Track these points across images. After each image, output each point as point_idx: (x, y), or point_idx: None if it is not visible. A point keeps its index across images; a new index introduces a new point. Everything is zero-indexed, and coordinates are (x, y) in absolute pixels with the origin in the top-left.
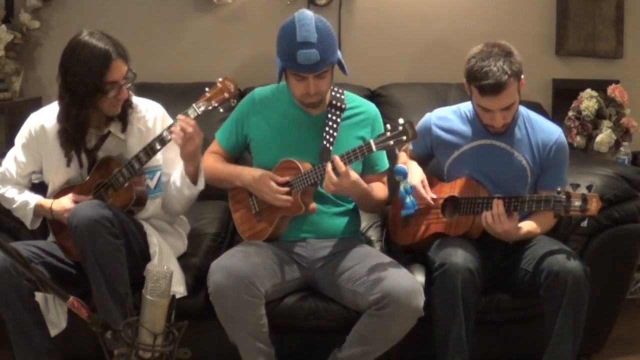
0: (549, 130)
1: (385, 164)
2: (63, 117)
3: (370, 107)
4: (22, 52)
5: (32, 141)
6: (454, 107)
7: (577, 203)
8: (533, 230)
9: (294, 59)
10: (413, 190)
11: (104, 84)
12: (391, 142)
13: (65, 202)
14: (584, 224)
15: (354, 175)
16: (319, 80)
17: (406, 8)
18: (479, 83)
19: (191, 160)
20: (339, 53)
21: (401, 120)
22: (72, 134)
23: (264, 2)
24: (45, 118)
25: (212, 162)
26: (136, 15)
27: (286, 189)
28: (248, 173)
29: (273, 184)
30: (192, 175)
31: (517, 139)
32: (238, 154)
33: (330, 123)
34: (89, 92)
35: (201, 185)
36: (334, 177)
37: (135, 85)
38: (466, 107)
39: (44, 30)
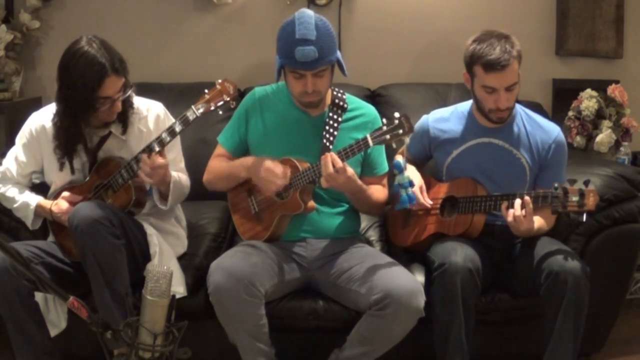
0: (547, 129)
1: (384, 166)
2: (57, 126)
3: (370, 110)
4: (22, 52)
5: (33, 141)
6: (451, 108)
7: (574, 198)
8: (542, 227)
9: (292, 56)
10: (409, 185)
11: (95, 100)
12: (387, 136)
13: (64, 206)
14: (582, 218)
15: (350, 171)
16: (317, 79)
17: (406, 8)
18: (484, 59)
19: (160, 184)
20: (338, 53)
21: (397, 114)
22: (64, 144)
23: (264, 2)
24: (46, 118)
25: (217, 164)
26: (136, 15)
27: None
28: (247, 159)
29: (270, 162)
30: (163, 194)
31: (516, 136)
32: (242, 155)
33: (332, 122)
34: (81, 108)
35: (170, 205)
36: (332, 172)
37: (135, 85)
38: (463, 107)
39: (44, 30)
